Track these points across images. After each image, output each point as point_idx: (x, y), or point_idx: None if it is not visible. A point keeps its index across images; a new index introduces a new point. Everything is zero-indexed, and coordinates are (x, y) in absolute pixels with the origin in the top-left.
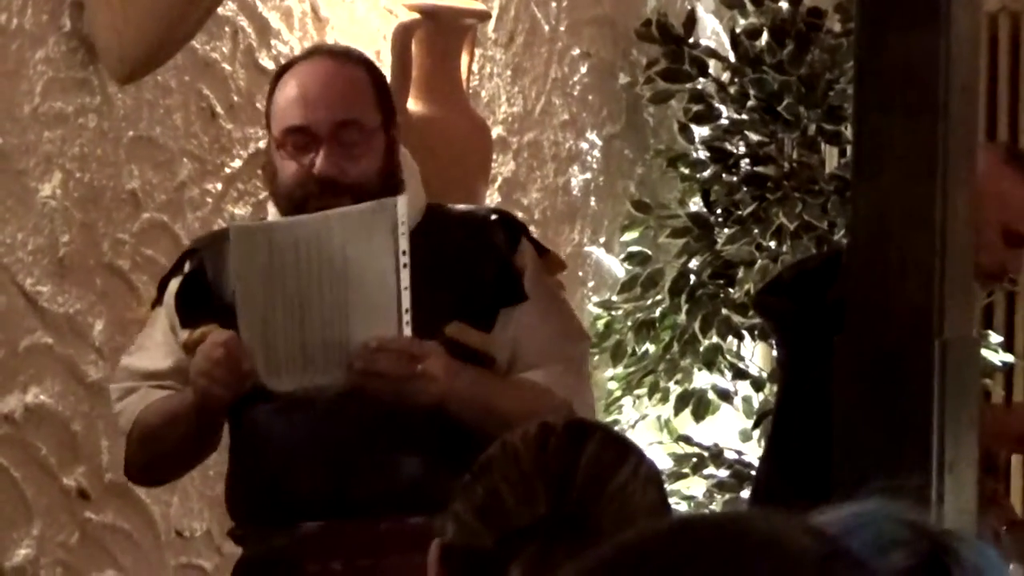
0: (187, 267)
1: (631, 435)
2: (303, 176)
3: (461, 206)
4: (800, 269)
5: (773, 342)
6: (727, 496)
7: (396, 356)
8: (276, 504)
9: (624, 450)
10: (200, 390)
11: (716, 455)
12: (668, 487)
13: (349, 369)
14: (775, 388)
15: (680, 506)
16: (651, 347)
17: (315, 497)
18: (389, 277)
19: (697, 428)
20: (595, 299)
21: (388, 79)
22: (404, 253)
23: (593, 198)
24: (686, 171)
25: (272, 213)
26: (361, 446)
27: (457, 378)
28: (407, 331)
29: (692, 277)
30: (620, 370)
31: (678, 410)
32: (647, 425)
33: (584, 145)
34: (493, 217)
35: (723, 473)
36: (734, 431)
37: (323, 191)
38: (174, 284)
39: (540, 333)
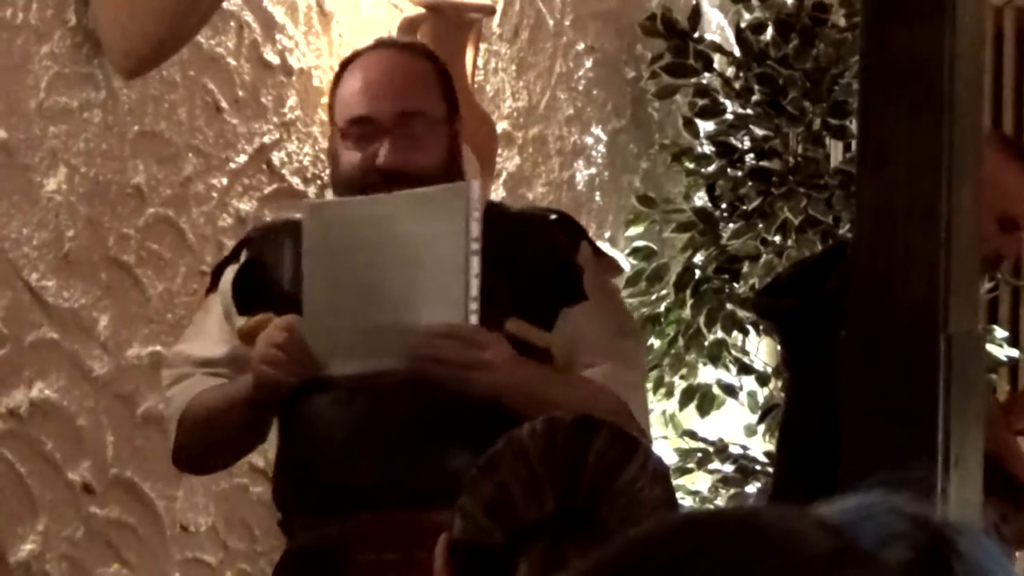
0: (244, 255)
1: None
2: (366, 166)
3: (519, 205)
4: (797, 268)
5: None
6: (732, 491)
7: (460, 344)
8: (329, 494)
9: (631, 446)
10: (261, 376)
11: (721, 450)
12: (673, 482)
13: (412, 354)
14: (780, 383)
15: (685, 501)
16: (656, 342)
17: (368, 487)
18: (459, 262)
19: (702, 423)
20: None
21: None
22: (476, 239)
23: (598, 193)
24: (691, 166)
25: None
26: (416, 437)
27: (517, 370)
28: (473, 319)
29: (697, 272)
30: None
31: (683, 405)
32: (652, 420)
33: (589, 140)
34: (553, 217)
35: (728, 468)
36: (739, 426)
37: (386, 182)
38: (230, 272)
39: (598, 332)
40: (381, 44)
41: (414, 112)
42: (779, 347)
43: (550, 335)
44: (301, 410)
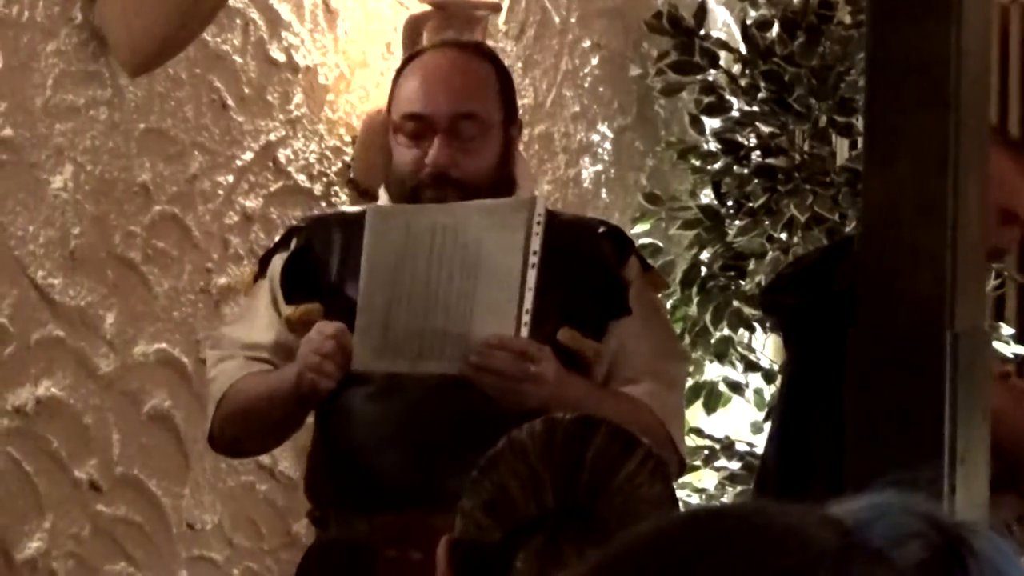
0: (293, 244)
1: None
2: (417, 165)
3: (569, 213)
4: (801, 265)
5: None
6: (739, 488)
7: (512, 356)
8: (361, 490)
9: (631, 443)
10: (308, 382)
11: (727, 447)
12: (680, 479)
13: (465, 361)
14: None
15: (692, 499)
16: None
17: (401, 486)
18: (515, 275)
19: (708, 420)
20: None
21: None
22: (535, 253)
23: (604, 190)
24: (697, 163)
25: (383, 197)
26: (451, 439)
27: (565, 385)
28: (524, 332)
29: (703, 269)
30: None
31: (690, 402)
32: None
33: (595, 137)
34: (602, 229)
35: (735, 465)
36: (745, 423)
37: (435, 182)
38: (279, 259)
39: (641, 348)
40: (446, 43)
41: (468, 114)
42: (783, 344)
43: (600, 347)
44: (338, 403)
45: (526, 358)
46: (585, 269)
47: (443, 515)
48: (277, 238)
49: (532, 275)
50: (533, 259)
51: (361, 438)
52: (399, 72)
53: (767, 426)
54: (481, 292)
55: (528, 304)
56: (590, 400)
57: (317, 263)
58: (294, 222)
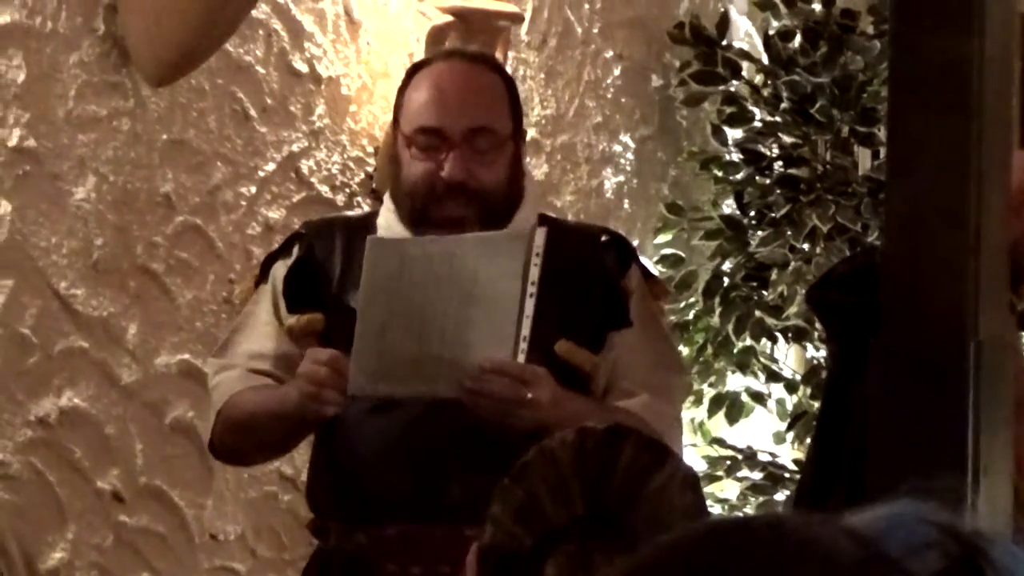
0: (296, 251)
1: None
2: (430, 178)
3: (573, 220)
4: (853, 265)
5: (809, 344)
6: (761, 498)
7: (509, 380)
8: (360, 503)
9: (661, 454)
10: (308, 410)
11: (750, 457)
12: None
13: (460, 387)
14: (808, 390)
15: (714, 509)
16: (685, 349)
17: (400, 500)
18: (513, 302)
19: (731, 430)
20: None
21: None
22: (533, 283)
23: (626, 200)
24: (719, 173)
25: (388, 207)
26: (450, 453)
27: (561, 406)
28: (521, 357)
29: (725, 279)
30: None
31: (712, 412)
32: None
33: (617, 147)
34: (604, 239)
35: (757, 475)
36: (768, 433)
37: (449, 194)
38: (281, 266)
39: (641, 360)
40: (454, 54)
41: (482, 128)
42: (826, 342)
43: (597, 359)
44: (339, 417)
45: (522, 383)
46: (586, 280)
47: (443, 529)
48: (278, 244)
49: (530, 304)
50: (532, 289)
51: (360, 451)
52: (406, 82)
53: (789, 436)
54: (478, 318)
55: (526, 331)
56: (586, 417)
57: (319, 271)
58: (296, 228)
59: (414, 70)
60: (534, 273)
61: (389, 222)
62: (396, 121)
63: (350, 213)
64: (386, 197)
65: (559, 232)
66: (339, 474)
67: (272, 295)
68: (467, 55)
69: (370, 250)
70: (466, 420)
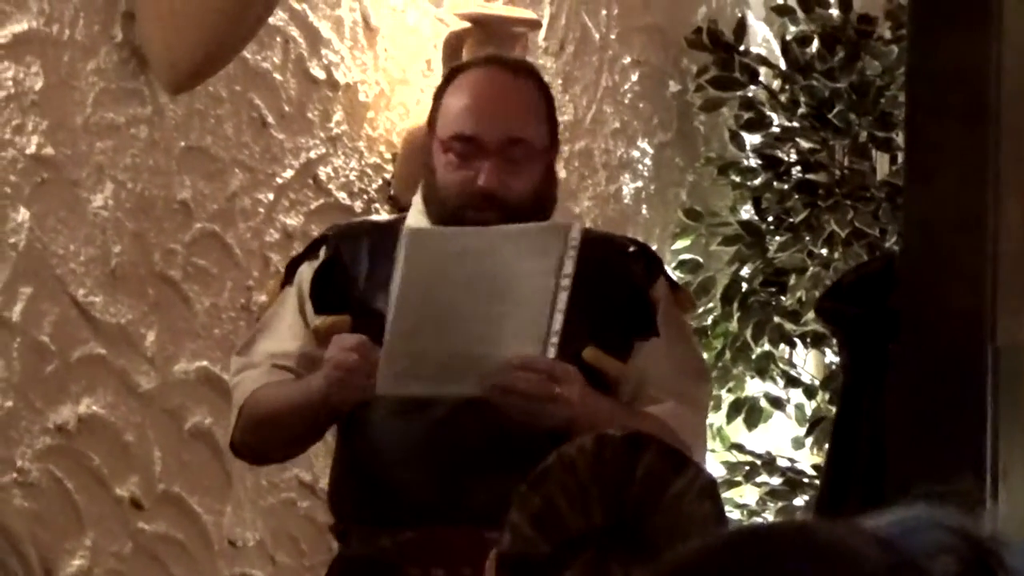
0: (323, 253)
1: None
2: (465, 186)
3: (600, 230)
4: (861, 273)
5: (827, 349)
6: (780, 504)
7: (536, 376)
8: (383, 506)
9: (680, 461)
10: (334, 397)
11: (769, 463)
12: (721, 496)
13: (487, 383)
14: (827, 395)
15: (733, 514)
16: (703, 355)
17: (423, 502)
18: (545, 297)
19: (749, 436)
20: None
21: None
22: (567, 276)
23: (644, 206)
24: (737, 179)
25: (418, 208)
26: (473, 456)
27: (589, 405)
28: (551, 353)
29: (744, 284)
30: None
31: (730, 418)
32: None
33: (635, 153)
34: (632, 249)
35: (776, 481)
36: (787, 439)
37: (483, 204)
38: (307, 268)
39: (667, 369)
40: (494, 61)
41: (518, 139)
42: (838, 352)
43: (624, 366)
44: (361, 418)
45: (551, 379)
46: (614, 288)
47: (466, 531)
48: (296, 251)
49: (563, 298)
50: (565, 282)
51: (384, 454)
52: (443, 87)
53: (808, 441)
54: (509, 316)
55: (557, 326)
56: (614, 419)
57: (346, 274)
58: (323, 231)
59: (452, 74)
60: (568, 266)
61: (419, 225)
62: (431, 124)
63: (377, 217)
64: (416, 199)
65: (586, 240)
66: (361, 477)
67: (298, 297)
68: (508, 63)
69: (408, 242)
70: (489, 422)
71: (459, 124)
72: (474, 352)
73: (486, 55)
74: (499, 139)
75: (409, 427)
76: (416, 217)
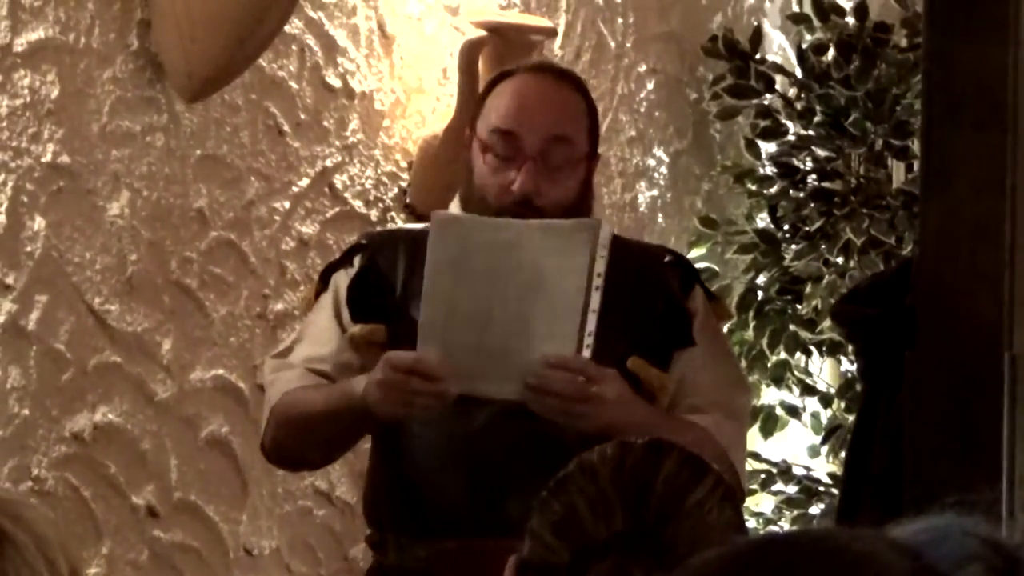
0: (357, 261)
1: None
2: (503, 190)
3: (635, 239)
4: (876, 280)
5: (843, 357)
6: (796, 512)
7: (571, 376)
8: (420, 515)
9: (702, 469)
10: (383, 409)
11: (785, 471)
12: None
13: (522, 383)
14: (843, 404)
15: (749, 523)
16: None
17: (460, 513)
18: (578, 296)
19: (765, 444)
20: None
21: (456, 96)
22: (599, 275)
23: (660, 214)
24: (753, 187)
25: (456, 208)
26: (512, 467)
27: (628, 407)
28: (587, 352)
29: (760, 293)
30: None
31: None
32: None
33: (651, 161)
34: (668, 259)
35: (792, 489)
36: (803, 447)
37: (520, 209)
38: (343, 275)
39: (706, 378)
40: (542, 67)
41: (560, 137)
42: (856, 357)
43: (666, 376)
44: (398, 426)
45: (586, 378)
46: (651, 298)
47: (504, 542)
48: (339, 254)
49: (596, 297)
50: (598, 281)
51: (422, 463)
52: (488, 89)
53: (824, 449)
54: (541, 314)
55: (591, 326)
56: (653, 424)
57: (382, 282)
58: (357, 238)
59: (498, 79)
60: (600, 265)
61: None
62: (473, 126)
63: (412, 226)
64: (455, 203)
65: (622, 249)
66: (399, 487)
67: (334, 303)
68: (555, 70)
69: (436, 228)
70: (527, 431)
71: (500, 120)
72: (506, 350)
73: (535, 62)
74: (540, 138)
75: (446, 437)
76: None
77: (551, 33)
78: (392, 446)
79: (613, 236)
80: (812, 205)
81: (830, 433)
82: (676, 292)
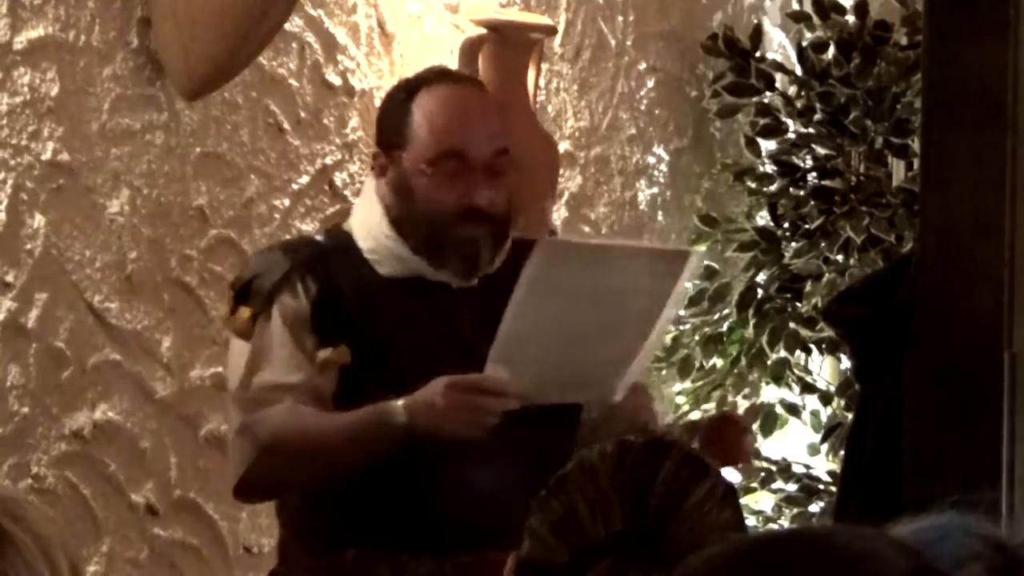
0: (303, 285)
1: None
2: (461, 204)
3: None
4: (869, 279)
5: (843, 355)
6: (795, 511)
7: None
8: (431, 530)
9: (701, 469)
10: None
11: (784, 469)
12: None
13: (584, 389)
14: (843, 402)
15: (748, 521)
16: (719, 361)
17: (473, 525)
18: (649, 322)
19: (765, 442)
20: None
21: None
22: (677, 304)
23: (660, 212)
24: (753, 185)
25: (379, 232)
26: (518, 475)
27: None
28: (639, 368)
29: (759, 291)
30: (688, 384)
31: None
32: None
33: (651, 159)
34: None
35: (791, 487)
36: (802, 445)
37: (474, 222)
38: (290, 300)
39: None
40: (457, 77)
41: (503, 150)
42: (849, 357)
43: None
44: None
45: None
46: None
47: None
48: (273, 279)
49: (665, 318)
50: (670, 313)
51: (431, 477)
52: (406, 104)
53: (824, 448)
54: (613, 330)
55: (651, 344)
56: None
57: (335, 303)
58: (287, 260)
59: (412, 92)
60: (679, 292)
61: (394, 251)
62: (398, 145)
63: (318, 238)
64: (369, 223)
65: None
66: (402, 502)
67: (290, 329)
68: (469, 79)
69: (543, 253)
70: (529, 437)
71: (449, 141)
72: (572, 361)
73: (442, 70)
74: (488, 152)
75: (453, 449)
76: (384, 243)
77: (551, 31)
78: (398, 463)
79: (513, 241)
80: (812, 203)
81: (830, 431)
82: None
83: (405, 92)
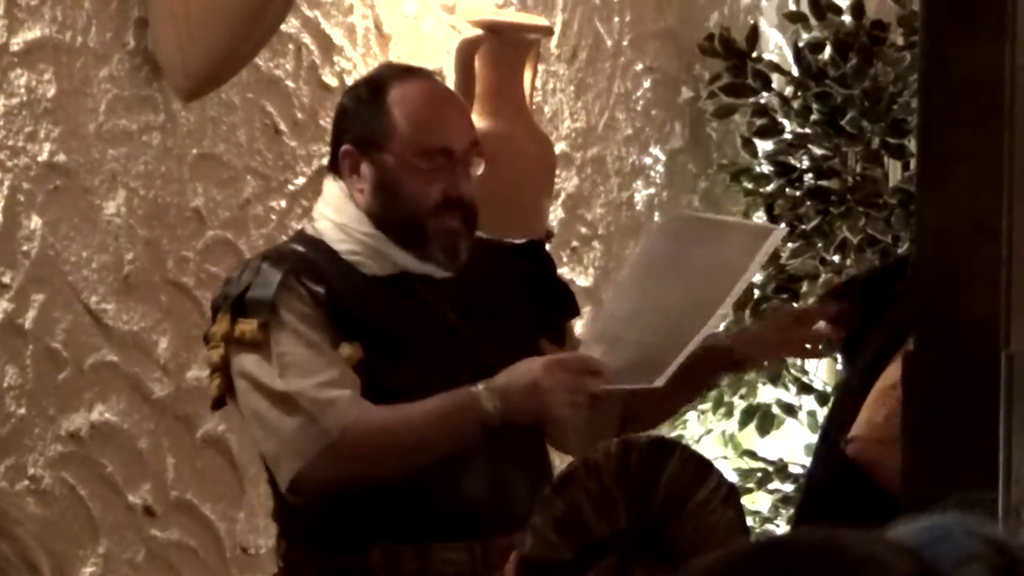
0: (309, 287)
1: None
2: (442, 197)
3: (484, 235)
4: (870, 274)
5: (839, 355)
6: (792, 511)
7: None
8: (456, 517)
9: (705, 469)
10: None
11: (781, 469)
12: None
13: (653, 371)
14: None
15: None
16: None
17: (481, 514)
18: (715, 303)
19: (762, 443)
20: None
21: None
22: (748, 279)
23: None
24: (750, 185)
25: (357, 222)
26: (528, 461)
27: None
28: (694, 343)
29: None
30: None
31: (743, 424)
32: (712, 440)
33: (648, 160)
34: (520, 241)
35: (788, 488)
36: (799, 445)
37: (454, 212)
38: (296, 303)
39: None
40: (422, 73)
41: (476, 141)
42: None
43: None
44: None
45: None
46: (533, 283)
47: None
48: (271, 287)
49: (736, 291)
50: (743, 285)
51: (448, 467)
52: (378, 102)
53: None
54: (689, 315)
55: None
56: None
57: (339, 303)
58: (281, 266)
59: (378, 89)
60: (755, 269)
61: (379, 248)
62: (376, 143)
63: (296, 247)
64: (341, 221)
65: (485, 246)
66: (415, 492)
67: (309, 330)
68: (429, 73)
69: (665, 228)
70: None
71: (434, 138)
72: (649, 342)
73: (405, 66)
74: (466, 145)
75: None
76: (365, 240)
77: (547, 31)
78: None
79: (478, 239)
80: (809, 203)
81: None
82: (553, 270)
83: (370, 90)
